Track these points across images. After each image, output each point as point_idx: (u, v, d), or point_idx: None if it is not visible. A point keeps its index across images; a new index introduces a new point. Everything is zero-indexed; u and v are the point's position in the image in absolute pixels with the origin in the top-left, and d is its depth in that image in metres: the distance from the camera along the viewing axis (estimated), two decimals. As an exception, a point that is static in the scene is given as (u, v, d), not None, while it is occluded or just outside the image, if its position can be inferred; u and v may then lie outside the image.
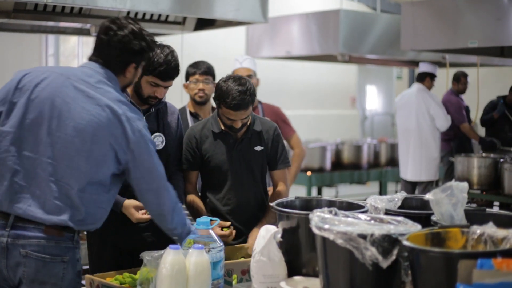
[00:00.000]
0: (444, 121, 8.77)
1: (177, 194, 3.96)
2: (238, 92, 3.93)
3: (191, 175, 4.18)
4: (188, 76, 5.19)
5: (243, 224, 4.08)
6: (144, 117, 3.89)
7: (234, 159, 4.15)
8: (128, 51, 3.25)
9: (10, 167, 3.11)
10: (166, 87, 3.86)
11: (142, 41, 3.28)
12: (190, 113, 5.12)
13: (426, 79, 9.02)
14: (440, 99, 9.19)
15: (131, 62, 3.29)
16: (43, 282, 3.08)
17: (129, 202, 3.76)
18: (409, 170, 8.82)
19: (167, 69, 3.77)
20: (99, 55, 3.29)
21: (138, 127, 3.16)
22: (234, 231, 4.02)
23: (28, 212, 3.06)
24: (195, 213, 4.10)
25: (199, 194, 4.25)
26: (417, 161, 8.75)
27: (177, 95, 6.98)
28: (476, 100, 9.78)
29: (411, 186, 8.89)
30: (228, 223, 4.03)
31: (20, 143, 3.11)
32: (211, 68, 5.11)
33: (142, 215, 3.75)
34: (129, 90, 3.90)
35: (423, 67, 9.08)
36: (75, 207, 3.09)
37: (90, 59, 3.30)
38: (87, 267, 4.01)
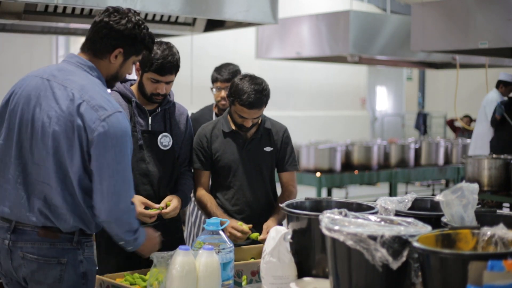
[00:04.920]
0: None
1: (186, 194, 3.97)
2: (254, 91, 3.97)
3: (203, 175, 4.17)
4: (212, 80, 5.19)
5: (251, 224, 4.08)
6: (151, 117, 3.89)
7: (243, 159, 4.16)
8: (115, 33, 3.13)
9: (7, 177, 3.15)
10: (167, 83, 3.84)
11: (136, 29, 3.16)
12: (216, 114, 5.14)
13: (500, 85, 9.96)
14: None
15: (117, 46, 3.15)
16: (39, 283, 3.10)
17: (134, 197, 3.76)
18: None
19: (163, 63, 3.75)
20: (88, 36, 3.20)
21: (101, 117, 2.98)
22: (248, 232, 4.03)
23: (21, 216, 3.10)
24: (203, 207, 4.13)
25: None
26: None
27: (186, 97, 6.98)
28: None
29: None
30: (250, 226, 4.04)
31: (11, 151, 3.14)
32: (235, 73, 5.03)
33: (145, 210, 3.74)
34: (135, 91, 3.91)
35: (501, 76, 10.00)
36: (58, 207, 3.07)
37: (81, 47, 3.23)
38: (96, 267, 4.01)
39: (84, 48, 3.20)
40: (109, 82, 3.25)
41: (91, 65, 3.15)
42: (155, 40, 3.67)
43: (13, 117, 3.14)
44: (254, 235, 4.00)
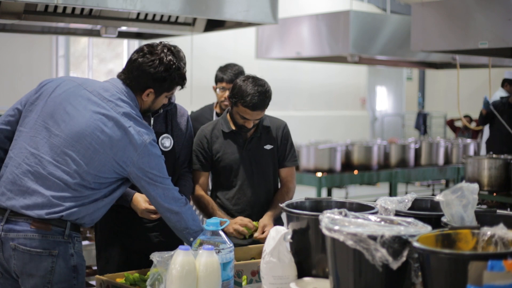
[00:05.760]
0: None
1: (185, 195, 3.98)
2: (257, 93, 3.98)
3: (202, 176, 4.17)
4: (216, 80, 5.19)
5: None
6: (153, 118, 3.90)
7: (244, 158, 4.16)
8: (146, 75, 3.38)
9: (18, 163, 3.25)
10: None
11: (166, 71, 3.38)
12: (216, 113, 5.14)
13: (505, 84, 10.00)
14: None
15: (149, 86, 3.41)
16: (31, 275, 3.17)
17: (139, 195, 3.77)
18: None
19: None
20: (124, 71, 3.44)
21: (144, 142, 3.26)
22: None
23: (17, 206, 3.18)
24: (203, 208, 4.13)
25: (209, 194, 4.26)
26: None
27: (186, 97, 6.98)
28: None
29: None
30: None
31: (29, 141, 3.26)
32: (239, 74, 5.05)
33: (149, 206, 3.74)
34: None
35: (506, 74, 10.09)
36: (68, 206, 3.19)
37: (118, 75, 3.46)
38: (95, 267, 4.02)
39: (121, 78, 3.43)
40: (141, 113, 3.48)
41: (134, 97, 3.41)
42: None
43: (39, 111, 3.28)
44: (250, 231, 4.02)
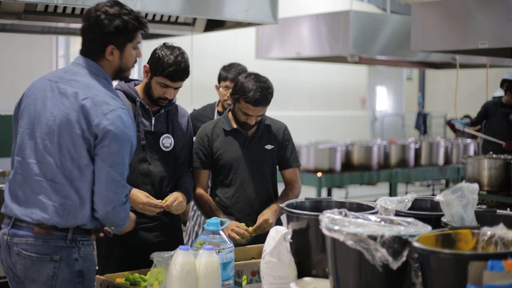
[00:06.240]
0: None
1: (188, 190, 3.98)
2: (260, 88, 4.01)
3: (202, 174, 4.18)
4: (219, 79, 5.21)
5: (252, 223, 4.09)
6: (154, 118, 3.90)
7: (244, 157, 4.17)
8: (99, 33, 3.19)
9: (13, 176, 3.24)
10: (176, 88, 3.86)
11: (116, 20, 3.18)
12: (218, 112, 5.16)
13: (504, 84, 9.72)
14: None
15: (107, 43, 3.21)
16: (33, 280, 3.15)
17: (136, 190, 3.76)
18: None
19: (176, 70, 3.78)
20: (81, 44, 3.29)
21: (104, 111, 3.07)
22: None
23: (19, 214, 3.15)
24: (202, 206, 4.14)
25: (208, 192, 4.27)
26: None
27: (186, 97, 6.98)
28: (485, 101, 9.80)
29: None
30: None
31: (17, 151, 3.24)
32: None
33: (151, 200, 3.73)
34: (139, 91, 3.92)
35: (506, 75, 9.85)
36: (58, 203, 3.12)
37: (79, 51, 3.31)
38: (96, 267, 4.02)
39: (82, 53, 3.28)
40: (118, 76, 3.33)
41: (96, 65, 3.23)
42: (167, 45, 3.72)
43: (22, 118, 3.24)
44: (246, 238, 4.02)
